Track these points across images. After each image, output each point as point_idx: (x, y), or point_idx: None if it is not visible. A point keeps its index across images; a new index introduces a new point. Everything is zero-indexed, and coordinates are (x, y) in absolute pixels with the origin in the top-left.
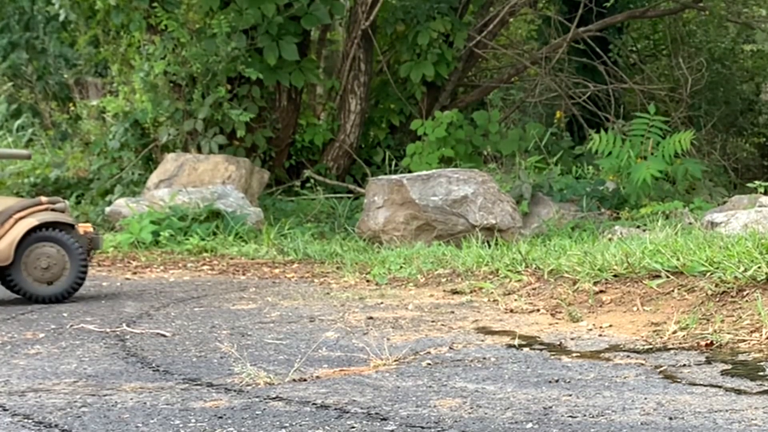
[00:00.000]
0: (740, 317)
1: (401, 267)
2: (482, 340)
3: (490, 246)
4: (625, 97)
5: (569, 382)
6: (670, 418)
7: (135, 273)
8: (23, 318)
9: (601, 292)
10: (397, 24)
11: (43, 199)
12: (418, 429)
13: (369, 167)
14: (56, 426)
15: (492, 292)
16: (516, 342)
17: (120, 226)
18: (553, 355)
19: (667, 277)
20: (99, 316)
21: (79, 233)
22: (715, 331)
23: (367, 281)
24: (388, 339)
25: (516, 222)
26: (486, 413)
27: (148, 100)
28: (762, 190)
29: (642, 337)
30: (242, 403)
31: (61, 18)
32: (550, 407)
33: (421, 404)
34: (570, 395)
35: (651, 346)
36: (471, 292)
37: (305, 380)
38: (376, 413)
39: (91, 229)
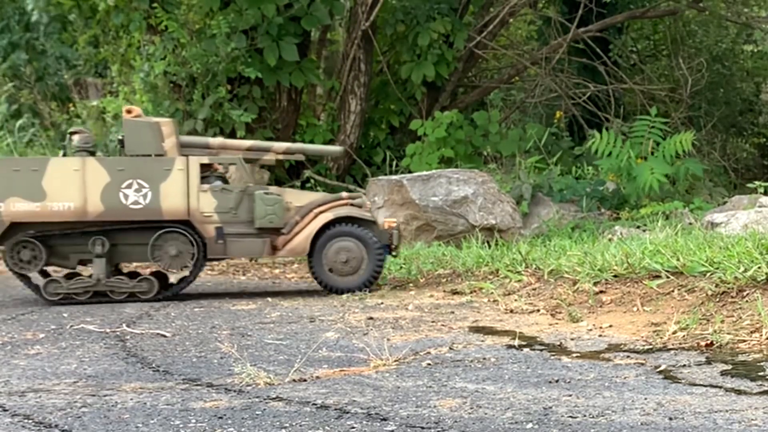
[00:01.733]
0: (740, 317)
1: (401, 267)
2: (482, 341)
3: (490, 246)
4: (625, 97)
5: (569, 382)
6: (670, 419)
7: None
8: (23, 318)
9: (601, 292)
10: (397, 24)
11: (344, 194)
12: (418, 429)
13: (369, 167)
14: (56, 426)
15: (492, 293)
16: (516, 342)
17: None
18: (553, 355)
19: (667, 277)
20: (99, 317)
21: (379, 228)
22: (715, 332)
23: None
24: (388, 339)
25: (516, 222)
26: (486, 413)
27: (148, 101)
28: (762, 190)
29: (642, 337)
30: (242, 403)
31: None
32: (550, 407)
33: (421, 404)
34: (570, 395)
35: (651, 347)
36: (471, 292)
37: (305, 380)
38: (376, 413)
39: (394, 224)
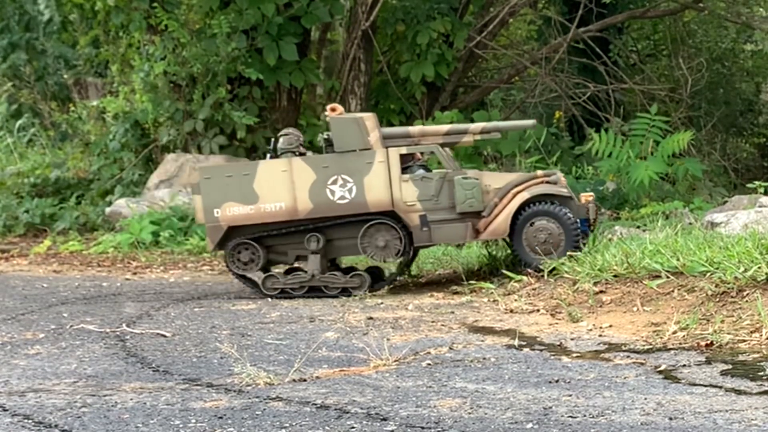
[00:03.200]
0: (740, 317)
1: None
2: (482, 341)
3: (490, 246)
4: (625, 97)
5: (569, 382)
6: (670, 419)
7: (135, 273)
8: (23, 318)
9: (601, 292)
10: (397, 24)
11: (539, 172)
12: (418, 429)
13: None
14: (56, 426)
15: (492, 293)
16: (516, 342)
17: (120, 226)
18: (553, 355)
19: (667, 277)
20: (99, 317)
21: (576, 204)
22: (715, 331)
23: None
24: (388, 339)
25: None
26: (486, 413)
27: (148, 101)
28: (762, 190)
29: (642, 337)
30: (242, 403)
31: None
32: (550, 407)
33: (421, 404)
34: (570, 395)
35: (651, 347)
36: (471, 292)
37: (305, 380)
38: (376, 413)
39: (591, 198)
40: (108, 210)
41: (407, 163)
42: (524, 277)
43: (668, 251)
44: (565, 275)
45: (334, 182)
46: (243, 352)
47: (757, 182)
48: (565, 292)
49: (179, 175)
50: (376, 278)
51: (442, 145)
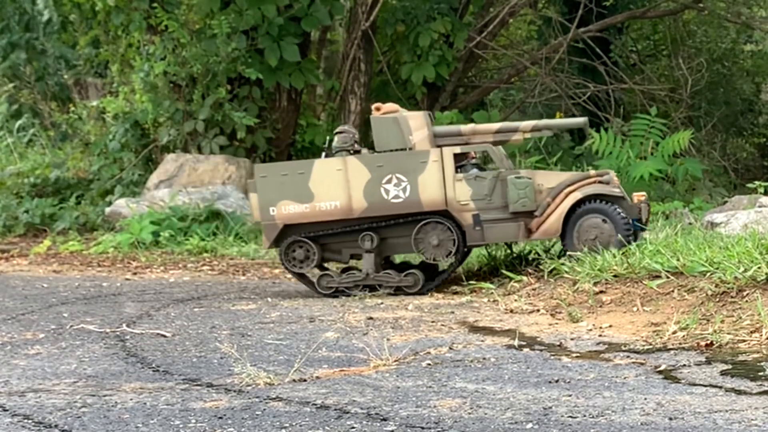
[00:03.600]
0: (740, 317)
1: None
2: (482, 341)
3: (490, 246)
4: (625, 97)
5: (569, 382)
6: (670, 419)
7: (135, 273)
8: (23, 318)
9: (601, 292)
10: (397, 24)
11: (592, 172)
12: (418, 429)
13: None
14: (56, 426)
15: (492, 293)
16: (516, 342)
17: (120, 226)
18: (553, 355)
19: (667, 277)
20: (99, 317)
21: (628, 203)
22: (715, 332)
23: None
24: (388, 339)
25: None
26: (486, 413)
27: (148, 101)
28: (762, 190)
29: (642, 337)
30: (242, 403)
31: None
32: (550, 407)
33: (421, 404)
34: (570, 395)
35: (651, 347)
36: (471, 292)
37: (305, 380)
38: (376, 413)
39: (644, 197)
40: (108, 210)
41: (461, 162)
42: (524, 277)
43: (668, 251)
44: (565, 275)
45: (389, 181)
46: (243, 352)
47: (757, 182)
48: (565, 292)
49: (179, 176)
50: (430, 274)
51: (492, 144)
